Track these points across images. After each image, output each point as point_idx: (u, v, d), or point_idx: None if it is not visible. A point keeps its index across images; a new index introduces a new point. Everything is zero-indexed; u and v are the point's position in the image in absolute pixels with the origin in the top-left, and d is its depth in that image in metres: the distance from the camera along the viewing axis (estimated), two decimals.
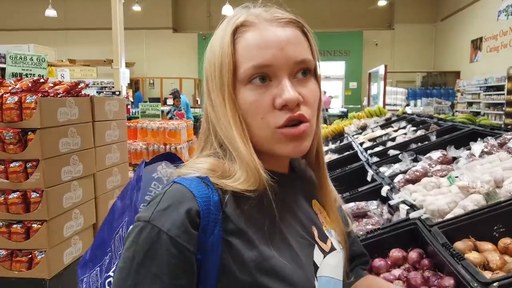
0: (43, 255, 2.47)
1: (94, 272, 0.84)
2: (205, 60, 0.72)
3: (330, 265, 0.73)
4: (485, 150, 1.86)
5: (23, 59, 3.00)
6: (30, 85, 2.59)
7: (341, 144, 4.15)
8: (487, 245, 1.23)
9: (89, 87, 12.55)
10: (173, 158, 0.90)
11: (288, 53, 0.65)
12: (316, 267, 0.70)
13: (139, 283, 0.58)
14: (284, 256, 0.64)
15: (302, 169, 0.82)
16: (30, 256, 2.49)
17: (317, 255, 0.71)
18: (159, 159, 0.89)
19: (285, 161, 0.76)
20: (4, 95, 2.45)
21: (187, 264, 0.59)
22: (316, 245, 0.72)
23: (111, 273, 0.78)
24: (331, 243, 0.76)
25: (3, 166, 2.44)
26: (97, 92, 12.81)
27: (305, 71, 0.68)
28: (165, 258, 0.58)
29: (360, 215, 1.85)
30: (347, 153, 3.41)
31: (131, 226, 0.63)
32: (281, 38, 0.65)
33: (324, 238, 0.75)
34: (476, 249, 1.23)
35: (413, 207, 1.58)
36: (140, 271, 0.58)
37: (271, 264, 0.62)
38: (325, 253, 0.73)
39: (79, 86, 2.86)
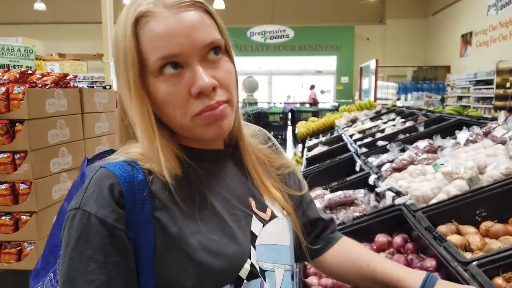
0: (32, 247, 2.46)
1: (48, 278, 0.84)
2: (112, 53, 0.71)
3: (271, 232, 0.75)
4: (470, 138, 1.88)
5: (10, 50, 2.97)
6: (17, 76, 2.56)
7: (331, 136, 4.18)
8: (469, 229, 1.26)
9: (80, 81, 12.44)
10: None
11: (195, 39, 0.63)
12: (254, 236, 0.72)
13: (75, 267, 0.60)
14: (214, 230, 0.67)
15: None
16: (19, 248, 2.48)
17: (255, 225, 0.74)
18: (102, 156, 0.89)
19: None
20: None
21: (119, 242, 0.61)
22: (253, 215, 0.75)
23: None
24: (271, 211, 0.78)
25: None
26: (87, 86, 12.66)
27: (216, 51, 0.67)
28: (97, 238, 0.60)
29: (348, 203, 1.87)
30: (337, 145, 3.43)
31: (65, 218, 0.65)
32: (185, 24, 0.63)
33: (263, 208, 0.78)
34: (458, 232, 1.26)
35: (399, 194, 1.60)
36: (73, 256, 0.60)
37: (196, 239, 0.64)
38: (264, 222, 0.76)
39: (68, 78, 2.84)
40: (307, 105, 11.34)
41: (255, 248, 0.72)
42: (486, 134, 1.94)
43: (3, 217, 2.46)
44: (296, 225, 0.83)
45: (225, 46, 0.70)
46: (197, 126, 0.67)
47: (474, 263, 0.97)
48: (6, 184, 2.42)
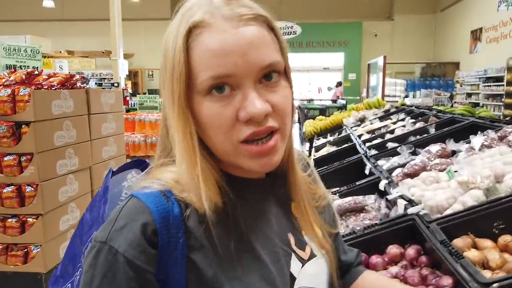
0: (38, 249, 2.46)
1: None
2: (161, 59, 0.63)
3: (310, 273, 0.69)
4: (485, 143, 1.83)
5: (17, 50, 2.96)
6: (24, 77, 2.55)
7: (340, 136, 4.13)
8: (486, 242, 1.21)
9: (88, 78, 12.49)
10: (143, 165, 0.87)
11: (252, 59, 0.56)
12: (293, 278, 0.66)
13: None
14: (253, 274, 0.60)
15: (281, 170, 0.73)
16: (26, 250, 2.48)
17: (295, 265, 0.67)
18: (128, 166, 0.86)
19: None
20: None
21: (147, 287, 0.55)
22: (293, 254, 0.68)
23: None
24: (311, 249, 0.71)
25: None
26: (96, 83, 12.73)
27: (272, 74, 0.59)
28: (123, 281, 0.54)
29: (358, 210, 1.83)
30: (346, 145, 3.38)
31: (89, 247, 0.59)
32: (243, 42, 0.56)
33: (302, 245, 0.70)
34: (475, 246, 1.21)
35: (411, 202, 1.56)
36: None
37: (233, 286, 0.58)
38: (303, 262, 0.69)
39: (74, 78, 2.82)
40: (330, 102, 11.26)
41: None
42: (501, 139, 1.89)
43: (9, 220, 2.45)
44: (332, 265, 0.75)
45: (285, 68, 0.62)
46: (242, 156, 0.59)
47: (495, 285, 0.92)
48: (12, 186, 2.42)
